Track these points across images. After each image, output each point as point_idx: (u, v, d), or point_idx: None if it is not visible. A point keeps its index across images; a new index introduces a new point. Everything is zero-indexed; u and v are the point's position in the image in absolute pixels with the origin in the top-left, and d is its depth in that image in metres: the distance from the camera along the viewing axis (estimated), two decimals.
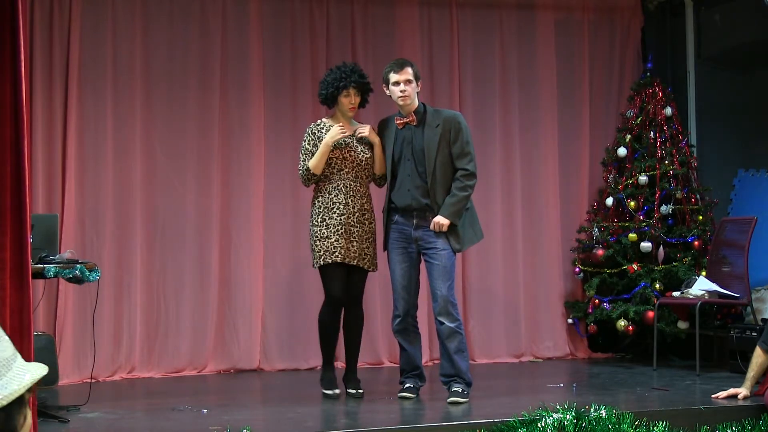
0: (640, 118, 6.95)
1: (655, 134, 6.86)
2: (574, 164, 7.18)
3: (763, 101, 6.96)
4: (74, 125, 6.05)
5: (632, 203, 6.74)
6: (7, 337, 1.77)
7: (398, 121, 4.99)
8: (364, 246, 5.00)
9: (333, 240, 4.92)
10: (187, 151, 6.38)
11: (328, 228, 4.94)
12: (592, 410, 4.28)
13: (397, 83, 4.92)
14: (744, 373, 4.96)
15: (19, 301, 4.04)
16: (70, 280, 4.60)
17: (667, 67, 7.25)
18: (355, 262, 4.96)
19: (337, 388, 5.08)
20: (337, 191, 4.97)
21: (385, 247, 5.09)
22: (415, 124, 4.97)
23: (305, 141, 5.06)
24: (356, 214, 4.97)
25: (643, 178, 6.73)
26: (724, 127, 7.17)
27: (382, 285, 6.35)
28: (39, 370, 1.77)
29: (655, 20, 7.39)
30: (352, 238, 4.95)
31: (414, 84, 4.94)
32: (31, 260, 4.20)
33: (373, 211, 5.09)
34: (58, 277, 4.54)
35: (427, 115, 4.98)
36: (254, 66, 6.52)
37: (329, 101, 5.07)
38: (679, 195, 6.69)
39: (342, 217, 4.94)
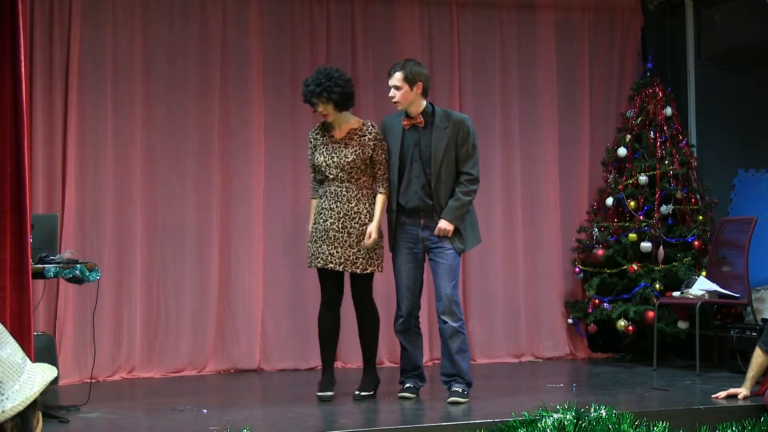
0: (640, 118, 6.94)
1: (655, 134, 6.85)
2: (574, 164, 7.18)
3: (763, 101, 6.95)
4: (74, 125, 6.05)
5: (632, 203, 6.74)
6: (14, 341, 1.78)
7: (405, 121, 4.97)
8: (354, 251, 4.92)
9: (319, 245, 4.95)
10: (187, 151, 6.37)
11: (317, 232, 4.98)
12: (592, 410, 4.29)
13: (390, 88, 4.94)
14: (744, 373, 4.96)
15: (19, 301, 4.05)
16: (70, 280, 4.60)
17: (667, 67, 7.25)
18: (340, 268, 4.92)
19: (330, 390, 5.00)
20: (326, 196, 4.98)
21: (392, 248, 5.06)
22: (423, 125, 4.96)
23: (308, 148, 5.15)
24: (342, 220, 4.93)
25: (643, 178, 6.73)
26: (724, 127, 7.17)
27: (383, 285, 6.34)
28: (49, 372, 1.79)
29: (655, 20, 7.39)
30: (336, 244, 4.92)
31: (405, 89, 4.88)
32: (31, 260, 4.21)
33: (367, 213, 4.98)
34: (58, 277, 4.54)
35: (436, 117, 4.96)
36: (254, 66, 6.52)
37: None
38: (679, 195, 6.68)
39: (327, 223, 4.94)
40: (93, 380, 5.35)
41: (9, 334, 1.78)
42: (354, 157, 4.94)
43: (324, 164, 4.96)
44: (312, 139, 5.09)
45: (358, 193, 4.98)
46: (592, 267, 6.86)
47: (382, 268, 5.07)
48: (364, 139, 4.98)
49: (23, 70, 4.13)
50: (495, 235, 6.89)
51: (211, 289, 6.34)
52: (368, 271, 4.99)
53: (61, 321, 5.90)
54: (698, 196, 6.82)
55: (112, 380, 5.98)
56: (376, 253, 5.00)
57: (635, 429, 4.27)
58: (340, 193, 4.95)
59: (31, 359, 1.82)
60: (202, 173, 6.39)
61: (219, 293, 6.37)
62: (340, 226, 4.92)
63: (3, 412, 1.68)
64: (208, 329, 6.31)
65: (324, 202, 4.98)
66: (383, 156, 5.00)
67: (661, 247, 6.59)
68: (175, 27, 6.39)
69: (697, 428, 4.41)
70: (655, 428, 4.29)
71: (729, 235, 6.28)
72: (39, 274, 4.44)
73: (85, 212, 6.08)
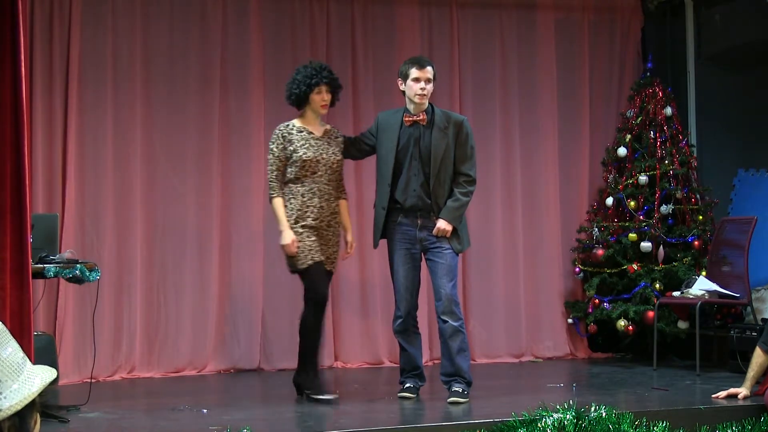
0: (640, 118, 6.94)
1: (655, 134, 6.85)
2: (574, 164, 7.18)
3: (763, 101, 6.95)
4: (74, 125, 6.05)
5: (632, 203, 6.74)
6: (15, 342, 1.79)
7: (407, 118, 4.96)
8: (335, 249, 5.00)
9: (312, 240, 4.88)
10: (187, 151, 6.37)
11: (305, 229, 4.89)
12: (592, 410, 4.28)
13: (417, 80, 4.88)
14: (744, 373, 4.96)
15: (19, 301, 4.05)
16: (70, 280, 4.60)
17: (667, 67, 7.25)
18: (329, 267, 4.98)
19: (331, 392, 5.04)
20: (311, 194, 4.91)
21: (376, 245, 5.09)
22: (425, 124, 4.96)
23: (273, 144, 4.97)
24: (328, 218, 4.95)
25: (643, 178, 6.73)
26: (724, 127, 7.17)
27: (382, 285, 6.35)
28: (48, 373, 1.80)
29: (655, 20, 7.39)
30: (323, 242, 4.94)
31: (432, 84, 4.94)
32: (31, 260, 4.21)
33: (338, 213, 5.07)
34: (58, 277, 4.54)
35: (436, 116, 4.96)
36: (254, 66, 6.52)
37: (301, 100, 4.98)
38: (679, 195, 6.68)
39: (316, 221, 4.91)
40: (93, 380, 5.35)
41: (10, 334, 1.79)
42: (341, 156, 5.03)
43: (314, 160, 4.91)
44: (286, 134, 4.95)
45: (336, 193, 5.04)
46: (592, 267, 6.86)
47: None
48: (339, 140, 5.08)
49: (23, 70, 4.13)
50: (495, 235, 6.90)
51: (211, 289, 6.34)
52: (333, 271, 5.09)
53: (61, 321, 5.90)
54: (698, 196, 6.82)
55: (112, 380, 5.98)
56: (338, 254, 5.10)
57: (635, 429, 4.27)
58: (328, 191, 4.96)
59: (30, 359, 1.83)
60: (202, 173, 6.39)
61: (219, 293, 6.37)
62: (326, 224, 4.96)
63: (0, 411, 1.69)
64: (208, 329, 6.31)
65: (312, 200, 4.90)
66: (343, 162, 5.10)
67: (661, 247, 6.59)
68: (175, 27, 6.39)
69: (697, 428, 4.41)
70: (655, 428, 4.29)
71: (729, 235, 6.28)
72: (39, 274, 4.44)
73: (85, 212, 6.08)
